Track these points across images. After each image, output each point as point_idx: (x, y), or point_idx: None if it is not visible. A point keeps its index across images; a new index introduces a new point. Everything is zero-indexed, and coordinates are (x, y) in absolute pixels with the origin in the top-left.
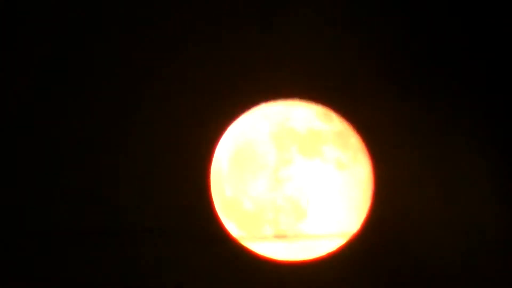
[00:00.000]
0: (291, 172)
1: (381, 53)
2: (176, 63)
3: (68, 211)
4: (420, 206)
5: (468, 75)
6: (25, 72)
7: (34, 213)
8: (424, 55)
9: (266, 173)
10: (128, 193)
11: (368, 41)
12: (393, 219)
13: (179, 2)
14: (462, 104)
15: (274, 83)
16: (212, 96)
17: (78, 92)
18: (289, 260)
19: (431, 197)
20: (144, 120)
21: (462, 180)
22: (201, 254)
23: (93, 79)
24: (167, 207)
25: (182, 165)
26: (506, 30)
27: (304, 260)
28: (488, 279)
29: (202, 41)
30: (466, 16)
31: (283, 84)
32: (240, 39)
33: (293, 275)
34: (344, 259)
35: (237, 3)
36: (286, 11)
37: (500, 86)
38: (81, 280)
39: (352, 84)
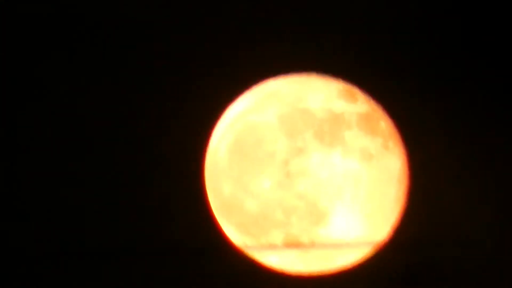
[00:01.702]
0: (305, 165)
1: (419, 20)
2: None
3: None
4: (463, 206)
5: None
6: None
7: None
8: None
9: (274, 166)
10: (111, 196)
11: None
12: (431, 223)
13: None
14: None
15: (284, 54)
16: (207, 71)
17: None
18: (303, 273)
19: (476, 194)
20: (128, 101)
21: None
22: (196, 265)
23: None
24: (154, 212)
25: (171, 158)
26: None
27: (321, 273)
28: None
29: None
30: None
31: (296, 56)
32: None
33: None
34: (370, 273)
35: None
36: None
37: None
38: None
39: (381, 57)
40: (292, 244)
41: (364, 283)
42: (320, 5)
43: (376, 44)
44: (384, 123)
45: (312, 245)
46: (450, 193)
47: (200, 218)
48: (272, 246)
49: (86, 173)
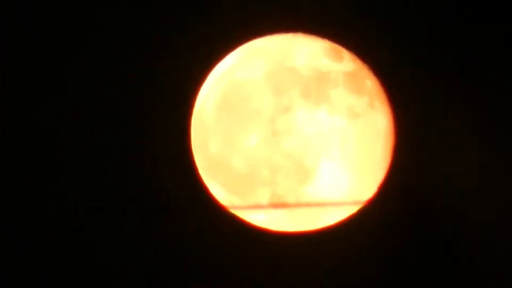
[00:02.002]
0: (291, 123)
1: None
2: None
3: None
4: (452, 166)
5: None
6: None
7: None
8: None
9: (261, 123)
10: (94, 151)
11: None
12: (418, 182)
13: None
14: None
15: (271, 12)
16: (194, 29)
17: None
18: (288, 231)
19: (465, 154)
20: (112, 58)
21: (504, 131)
22: (182, 224)
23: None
24: (139, 169)
25: (157, 115)
26: None
27: (306, 232)
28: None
29: None
30: None
31: (282, 14)
32: None
33: (293, 249)
34: (355, 231)
35: None
36: None
37: None
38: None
39: (367, 13)
40: (278, 203)
41: (349, 240)
42: None
43: (363, 2)
44: (370, 82)
45: (298, 203)
46: (436, 150)
47: (186, 176)
48: (258, 205)
49: (70, 130)
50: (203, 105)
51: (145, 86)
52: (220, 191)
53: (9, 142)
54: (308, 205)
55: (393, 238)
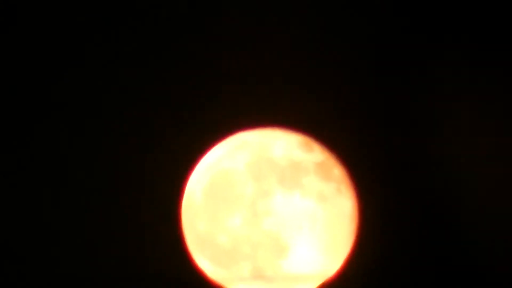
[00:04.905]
0: (269, 206)
1: (365, 79)
2: (141, 84)
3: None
4: (410, 244)
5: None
6: None
7: None
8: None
9: (243, 206)
10: (91, 231)
11: (353, 64)
12: (380, 259)
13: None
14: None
15: (251, 110)
16: (184, 124)
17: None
18: None
19: (423, 234)
20: (108, 149)
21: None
22: None
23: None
24: (134, 245)
25: (151, 198)
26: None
27: None
28: None
29: (171, 59)
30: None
31: (260, 112)
32: (213, 60)
33: None
34: None
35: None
36: (265, 30)
37: None
38: None
39: (334, 112)
40: (258, 276)
41: None
42: (283, 69)
43: (332, 101)
44: (337, 170)
45: (275, 275)
46: (396, 231)
47: (177, 252)
48: (240, 277)
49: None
50: (193, 190)
51: (144, 172)
52: (208, 265)
53: None
54: (283, 277)
55: None
